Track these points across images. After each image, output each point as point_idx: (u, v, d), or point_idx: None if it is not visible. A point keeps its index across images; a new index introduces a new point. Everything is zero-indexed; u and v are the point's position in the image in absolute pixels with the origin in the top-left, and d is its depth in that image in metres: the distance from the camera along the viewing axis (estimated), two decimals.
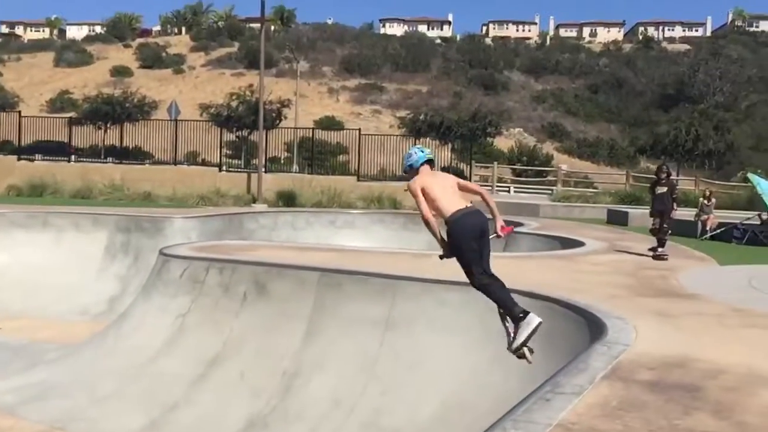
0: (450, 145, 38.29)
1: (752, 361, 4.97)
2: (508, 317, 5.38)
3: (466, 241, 5.35)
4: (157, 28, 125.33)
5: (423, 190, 5.46)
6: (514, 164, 42.84)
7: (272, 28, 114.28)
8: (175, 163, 25.83)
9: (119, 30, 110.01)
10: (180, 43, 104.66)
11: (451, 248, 5.41)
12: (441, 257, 5.60)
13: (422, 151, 5.75)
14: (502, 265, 10.26)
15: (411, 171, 5.66)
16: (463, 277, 8.42)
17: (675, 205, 11.67)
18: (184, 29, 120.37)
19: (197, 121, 28.98)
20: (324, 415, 7.54)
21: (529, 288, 7.82)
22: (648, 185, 13.64)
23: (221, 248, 10.65)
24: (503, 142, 53.24)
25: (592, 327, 6.26)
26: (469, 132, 39.62)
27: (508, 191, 30.25)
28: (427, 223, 5.45)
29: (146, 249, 14.54)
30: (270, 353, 8.30)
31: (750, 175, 16.53)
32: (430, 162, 5.65)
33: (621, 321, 6.20)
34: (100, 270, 15.20)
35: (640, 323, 6.14)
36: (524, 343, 5.16)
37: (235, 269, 9.18)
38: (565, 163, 49.53)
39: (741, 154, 49.17)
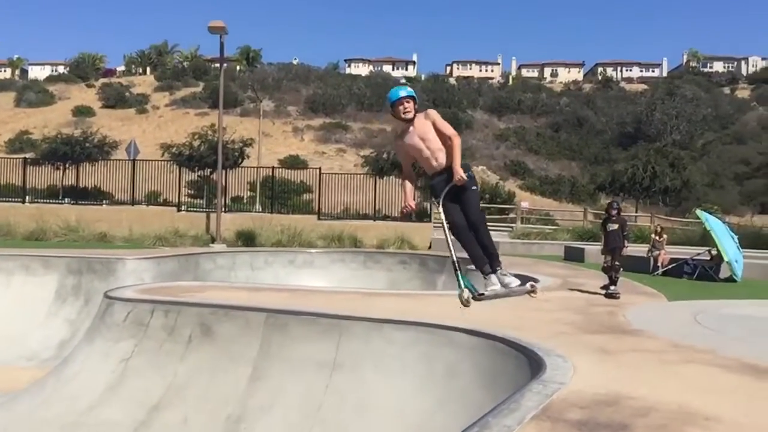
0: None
1: (685, 398, 4.98)
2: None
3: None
4: (122, 68, 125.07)
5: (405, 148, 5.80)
6: None
7: (237, 68, 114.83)
8: (133, 203, 25.48)
9: (82, 70, 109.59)
10: (144, 82, 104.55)
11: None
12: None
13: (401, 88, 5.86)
14: (450, 303, 10.26)
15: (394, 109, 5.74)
16: (409, 317, 8.44)
17: (626, 242, 11.67)
18: (148, 69, 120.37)
19: (156, 160, 28.69)
20: None
21: (475, 326, 7.81)
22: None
23: (169, 290, 10.45)
24: None
25: (533, 365, 6.23)
26: None
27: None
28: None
29: (98, 292, 14.13)
30: (214, 397, 8.11)
31: (699, 212, 16.86)
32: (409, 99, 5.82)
33: (561, 359, 6.18)
34: (50, 314, 14.80)
35: (581, 360, 6.13)
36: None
37: (180, 311, 8.99)
38: (527, 200, 50.17)
39: (697, 191, 50.38)
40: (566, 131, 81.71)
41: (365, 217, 27.61)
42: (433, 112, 5.69)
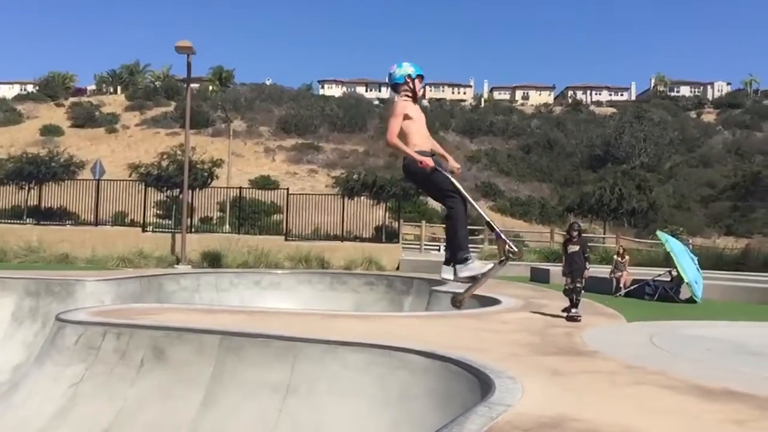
0: (383, 204, 38.62)
1: (629, 419, 4.97)
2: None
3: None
4: (92, 87, 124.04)
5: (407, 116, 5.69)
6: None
7: (210, 88, 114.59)
8: (97, 223, 25.11)
9: (52, 89, 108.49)
10: (115, 102, 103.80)
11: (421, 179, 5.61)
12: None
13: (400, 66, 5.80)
14: (411, 325, 10.23)
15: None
16: (366, 339, 8.36)
17: (587, 264, 11.59)
18: (119, 88, 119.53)
19: (122, 180, 28.35)
20: None
21: (431, 348, 7.76)
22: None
23: (124, 312, 10.24)
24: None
25: (484, 387, 6.19)
26: (402, 191, 40.06)
27: (438, 250, 30.46)
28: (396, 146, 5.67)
29: (56, 314, 13.94)
30: (165, 423, 7.92)
31: (659, 233, 17.05)
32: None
33: (511, 381, 6.14)
34: (6, 337, 14.47)
35: (531, 382, 6.10)
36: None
37: (133, 334, 8.80)
38: (498, 221, 50.51)
39: (664, 213, 51.13)
40: (537, 153, 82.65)
41: (336, 237, 27.48)
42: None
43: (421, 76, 5.67)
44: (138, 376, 8.54)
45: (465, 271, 4.95)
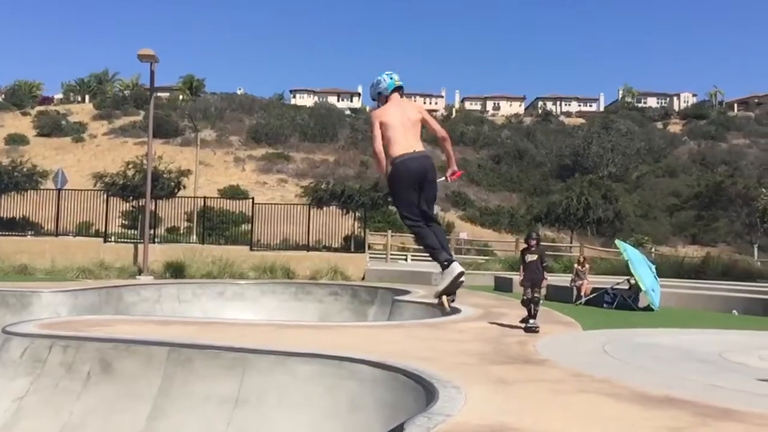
0: (352, 214, 38.55)
1: (565, 427, 4.97)
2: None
3: (401, 187, 5.33)
4: (59, 95, 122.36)
5: (381, 124, 5.41)
6: None
7: (180, 97, 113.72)
8: (57, 234, 24.67)
9: (18, 97, 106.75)
10: (82, 111, 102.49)
11: (389, 188, 5.39)
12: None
13: (391, 78, 5.57)
14: (366, 335, 10.17)
15: (380, 99, 5.50)
16: (315, 349, 8.28)
17: (546, 273, 11.39)
18: (87, 97, 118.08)
19: (85, 190, 27.92)
20: None
21: (382, 358, 7.70)
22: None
23: (73, 324, 10.03)
24: None
25: (429, 397, 6.15)
26: (371, 201, 40.07)
27: (405, 260, 30.47)
28: (375, 156, 5.42)
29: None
30: None
31: (618, 242, 17.24)
32: (399, 89, 5.53)
33: (456, 390, 6.12)
34: None
35: (476, 391, 6.08)
36: (445, 291, 5.19)
37: (80, 347, 8.61)
38: (467, 230, 50.66)
39: (630, 222, 51.75)
40: (507, 163, 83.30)
41: (307, 247, 27.31)
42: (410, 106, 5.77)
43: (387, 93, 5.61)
44: (84, 389, 8.35)
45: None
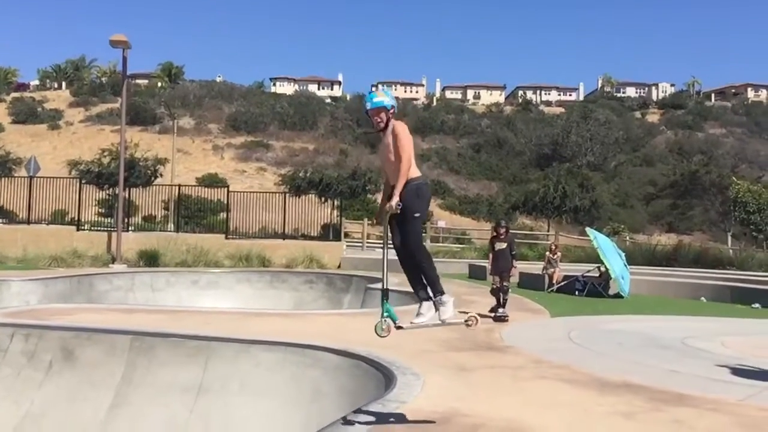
0: (330, 202, 38.43)
1: (520, 413, 4.98)
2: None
3: (426, 208, 5.06)
4: (36, 82, 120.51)
5: None
6: None
7: (159, 84, 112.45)
8: (29, 222, 24.32)
9: None
10: (59, 98, 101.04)
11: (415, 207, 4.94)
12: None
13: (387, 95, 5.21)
14: (334, 323, 10.16)
15: (393, 114, 5.09)
16: (279, 337, 8.26)
17: (515, 261, 11.33)
18: (64, 84, 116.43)
19: (57, 177, 27.53)
20: None
21: (347, 345, 7.70)
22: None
23: (37, 313, 9.92)
24: None
25: (389, 384, 6.16)
26: (349, 189, 39.97)
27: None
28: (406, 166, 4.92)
29: None
30: (72, 426, 7.68)
31: (588, 230, 17.35)
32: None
33: (414, 377, 6.14)
34: None
35: (435, 378, 6.10)
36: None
37: (42, 335, 8.52)
38: (445, 219, 50.75)
39: (608, 210, 52.09)
40: (487, 152, 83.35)
41: (283, 236, 27.15)
42: (399, 125, 5.03)
43: (372, 110, 5.16)
44: (46, 378, 8.27)
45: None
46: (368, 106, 5.12)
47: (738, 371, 7.02)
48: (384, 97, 5.13)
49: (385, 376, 6.44)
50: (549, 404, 5.37)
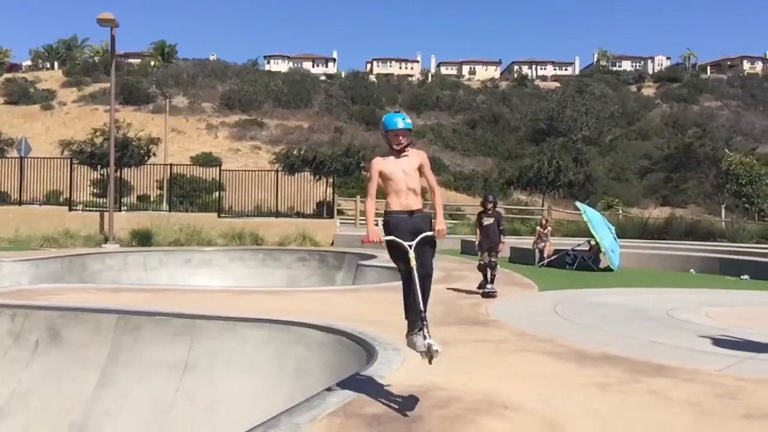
0: (324, 180, 38.35)
1: (495, 386, 5.01)
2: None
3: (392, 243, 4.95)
4: (28, 62, 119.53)
5: (381, 174, 4.91)
6: None
7: (152, 63, 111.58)
8: (21, 202, 24.25)
9: None
10: (51, 78, 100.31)
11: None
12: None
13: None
14: (320, 299, 10.18)
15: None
16: (265, 314, 8.27)
17: (502, 236, 11.18)
18: (56, 64, 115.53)
19: (48, 158, 27.41)
20: None
21: (332, 321, 7.72)
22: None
23: (25, 293, 9.92)
24: None
25: (370, 359, 6.19)
26: (343, 167, 39.84)
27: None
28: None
29: None
30: (58, 405, 7.71)
31: (578, 204, 17.35)
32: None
33: (395, 352, 6.16)
34: None
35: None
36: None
37: (27, 315, 8.53)
38: (442, 195, 50.68)
39: (603, 184, 52.10)
40: (482, 128, 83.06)
41: (276, 214, 27.12)
42: (424, 155, 5.08)
43: (394, 131, 4.97)
44: (33, 358, 8.29)
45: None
46: (401, 125, 4.91)
47: (720, 342, 7.06)
48: (408, 120, 5.07)
49: (367, 352, 6.47)
50: (527, 377, 5.40)
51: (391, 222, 4.96)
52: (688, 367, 5.80)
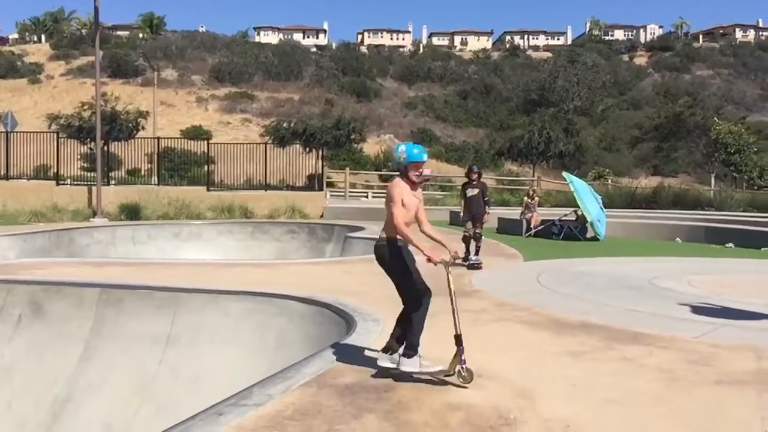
0: (315, 152, 38.18)
1: (472, 356, 4.99)
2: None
3: None
4: (14, 35, 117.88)
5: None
6: (380, 170, 43.40)
7: (140, 35, 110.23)
8: (7, 177, 24.09)
9: None
10: (38, 51, 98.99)
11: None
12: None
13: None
14: (305, 272, 10.19)
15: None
16: (247, 287, 8.29)
17: (488, 207, 11.07)
18: (43, 37, 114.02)
19: (34, 132, 27.16)
20: None
21: (314, 293, 7.75)
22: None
23: (7, 268, 9.89)
24: (374, 148, 53.80)
25: (349, 329, 6.22)
26: (333, 139, 39.63)
27: (367, 197, 30.45)
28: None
29: None
30: (42, 379, 7.74)
31: (565, 174, 17.35)
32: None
33: (375, 323, 6.20)
34: None
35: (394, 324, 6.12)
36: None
37: (10, 290, 8.51)
38: (432, 167, 50.57)
39: (594, 154, 52.04)
40: (474, 99, 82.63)
41: (266, 187, 27.01)
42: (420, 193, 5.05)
43: (418, 163, 4.91)
44: (16, 332, 8.29)
45: (406, 366, 4.54)
46: (425, 157, 4.84)
47: (699, 309, 7.11)
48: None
49: (347, 323, 6.50)
50: (503, 346, 5.43)
51: (404, 248, 4.89)
52: (664, 334, 5.85)
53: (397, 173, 4.84)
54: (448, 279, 4.76)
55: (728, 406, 3.98)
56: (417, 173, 4.82)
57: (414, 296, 4.69)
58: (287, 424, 3.56)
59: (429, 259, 4.75)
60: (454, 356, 4.49)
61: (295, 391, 4.15)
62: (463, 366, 4.39)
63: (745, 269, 10.80)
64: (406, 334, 4.70)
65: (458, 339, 4.52)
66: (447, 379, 4.48)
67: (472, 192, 11.05)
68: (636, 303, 7.43)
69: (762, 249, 13.64)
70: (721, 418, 3.77)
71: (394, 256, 4.73)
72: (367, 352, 5.12)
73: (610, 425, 3.64)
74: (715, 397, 4.13)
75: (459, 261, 4.87)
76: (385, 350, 4.62)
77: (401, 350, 4.57)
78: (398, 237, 4.77)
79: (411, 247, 4.81)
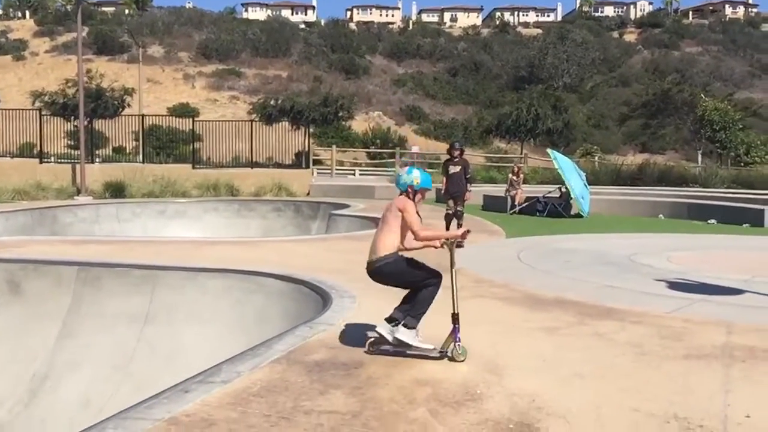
0: (303, 130, 37.99)
1: (444, 332, 5.02)
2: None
3: None
4: None
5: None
6: (368, 147, 43.28)
7: (126, 11, 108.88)
8: None
9: None
10: (23, 27, 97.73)
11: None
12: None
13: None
14: (286, 249, 10.17)
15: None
16: (225, 264, 8.26)
17: (469, 185, 10.96)
18: (27, 13, 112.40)
19: (16, 109, 26.87)
20: (71, 419, 7.08)
21: (292, 271, 7.73)
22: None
23: None
24: (362, 126, 53.62)
25: (326, 307, 6.21)
26: (321, 116, 39.43)
27: (354, 174, 30.37)
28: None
29: None
30: (21, 356, 7.72)
31: (549, 151, 17.35)
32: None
33: (350, 300, 6.20)
34: None
35: (371, 301, 6.12)
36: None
37: None
38: (420, 144, 50.48)
39: (583, 132, 52.03)
40: (463, 76, 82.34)
41: (252, 164, 26.90)
42: None
43: (425, 190, 5.12)
44: None
45: (404, 336, 4.58)
46: (424, 185, 5.02)
47: (676, 285, 7.15)
48: None
49: (323, 300, 6.50)
50: (477, 322, 5.44)
51: (405, 258, 5.07)
52: (637, 309, 5.88)
53: (401, 194, 4.95)
54: (451, 260, 4.96)
55: (694, 379, 4.01)
56: (421, 199, 5.04)
57: (431, 282, 4.95)
58: (252, 401, 3.56)
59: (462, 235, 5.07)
60: (450, 334, 4.56)
61: (264, 368, 4.14)
62: (458, 344, 4.50)
63: (726, 245, 10.87)
64: (413, 306, 4.85)
65: (455, 317, 4.63)
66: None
67: (453, 169, 10.95)
68: (613, 279, 7.46)
69: (743, 225, 13.74)
70: (686, 391, 3.80)
71: (403, 269, 4.95)
72: (340, 329, 5.12)
73: (575, 398, 3.65)
74: (682, 371, 4.16)
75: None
76: (388, 320, 4.74)
77: (404, 321, 4.70)
78: (400, 250, 4.96)
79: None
